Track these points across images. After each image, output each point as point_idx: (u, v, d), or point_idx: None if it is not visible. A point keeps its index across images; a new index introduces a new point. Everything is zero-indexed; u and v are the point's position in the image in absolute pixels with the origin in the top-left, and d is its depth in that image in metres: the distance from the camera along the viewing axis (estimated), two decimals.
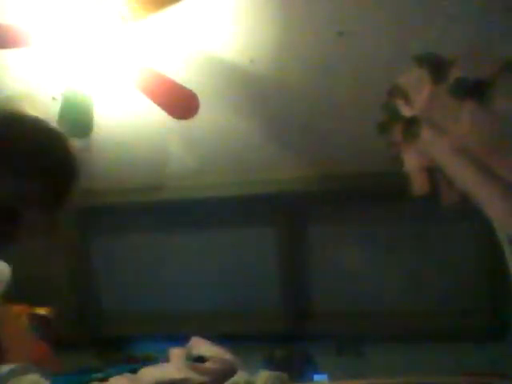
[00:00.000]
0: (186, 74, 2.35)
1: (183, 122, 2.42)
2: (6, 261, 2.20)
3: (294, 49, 2.33)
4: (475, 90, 1.67)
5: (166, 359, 1.88)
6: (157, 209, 3.21)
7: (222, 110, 2.64)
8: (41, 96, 2.60)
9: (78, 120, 2.32)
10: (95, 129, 2.43)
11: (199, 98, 2.20)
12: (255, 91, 2.55)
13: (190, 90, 2.18)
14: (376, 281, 3.16)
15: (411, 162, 1.96)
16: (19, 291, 2.30)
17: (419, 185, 1.94)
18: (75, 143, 1.31)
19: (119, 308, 3.51)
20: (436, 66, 1.78)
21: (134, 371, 1.76)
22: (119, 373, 1.76)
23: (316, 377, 3.11)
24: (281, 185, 2.99)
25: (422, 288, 3.10)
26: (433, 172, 1.91)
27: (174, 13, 2.10)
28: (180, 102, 2.23)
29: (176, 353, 1.89)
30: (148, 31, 2.27)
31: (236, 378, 1.77)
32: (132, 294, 3.45)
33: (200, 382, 1.67)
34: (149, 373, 1.71)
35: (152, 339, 3.40)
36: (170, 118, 2.28)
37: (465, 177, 1.71)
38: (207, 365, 1.78)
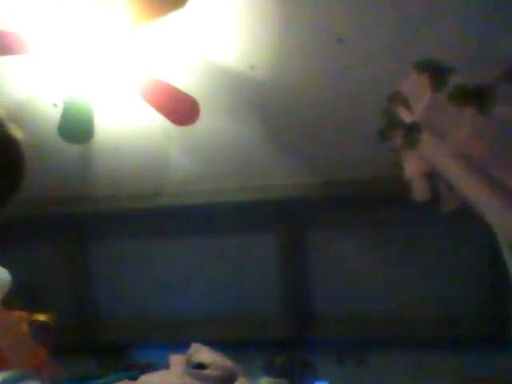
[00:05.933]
0: (187, 80, 2.35)
1: (184, 129, 2.43)
2: (7, 267, 2.20)
3: (294, 55, 2.34)
4: (475, 97, 1.67)
5: (166, 366, 1.87)
6: (157, 215, 3.21)
7: (223, 116, 2.65)
8: (42, 102, 2.61)
9: (79, 126, 2.33)
10: (96, 135, 2.43)
11: (200, 104, 2.20)
12: (255, 97, 2.55)
13: (191, 97, 2.18)
14: (377, 287, 3.16)
15: (411, 168, 1.96)
16: (19, 297, 2.30)
17: (419, 191, 1.95)
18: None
19: (119, 314, 3.50)
20: (436, 73, 1.79)
21: (133, 378, 1.75)
22: (119, 380, 1.75)
23: None
24: (281, 190, 2.99)
25: (422, 294, 3.09)
26: (433, 178, 1.91)
27: (175, 20, 2.11)
28: (181, 109, 2.23)
29: (176, 359, 1.89)
30: (149, 38, 2.28)
31: None
32: (132, 301, 3.44)
33: None
34: (149, 380, 1.70)
35: (152, 346, 3.39)
36: (170, 124, 2.28)
37: (465, 183, 1.71)
38: (207, 372, 1.77)
